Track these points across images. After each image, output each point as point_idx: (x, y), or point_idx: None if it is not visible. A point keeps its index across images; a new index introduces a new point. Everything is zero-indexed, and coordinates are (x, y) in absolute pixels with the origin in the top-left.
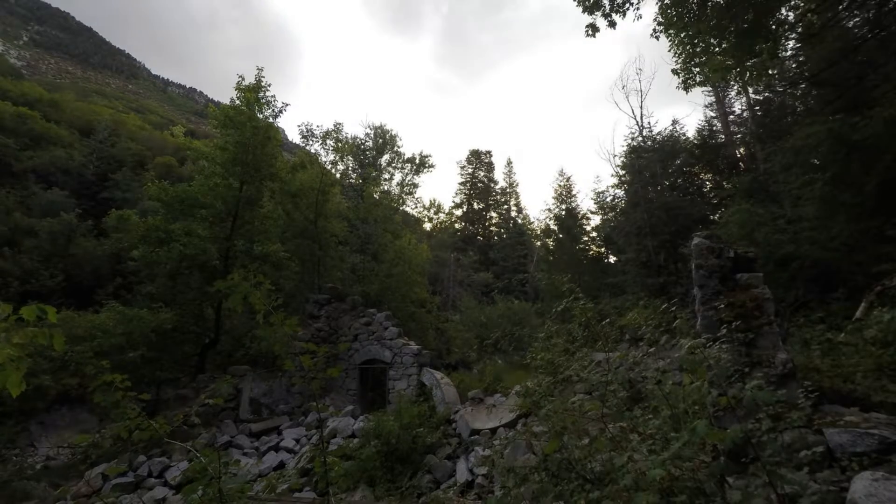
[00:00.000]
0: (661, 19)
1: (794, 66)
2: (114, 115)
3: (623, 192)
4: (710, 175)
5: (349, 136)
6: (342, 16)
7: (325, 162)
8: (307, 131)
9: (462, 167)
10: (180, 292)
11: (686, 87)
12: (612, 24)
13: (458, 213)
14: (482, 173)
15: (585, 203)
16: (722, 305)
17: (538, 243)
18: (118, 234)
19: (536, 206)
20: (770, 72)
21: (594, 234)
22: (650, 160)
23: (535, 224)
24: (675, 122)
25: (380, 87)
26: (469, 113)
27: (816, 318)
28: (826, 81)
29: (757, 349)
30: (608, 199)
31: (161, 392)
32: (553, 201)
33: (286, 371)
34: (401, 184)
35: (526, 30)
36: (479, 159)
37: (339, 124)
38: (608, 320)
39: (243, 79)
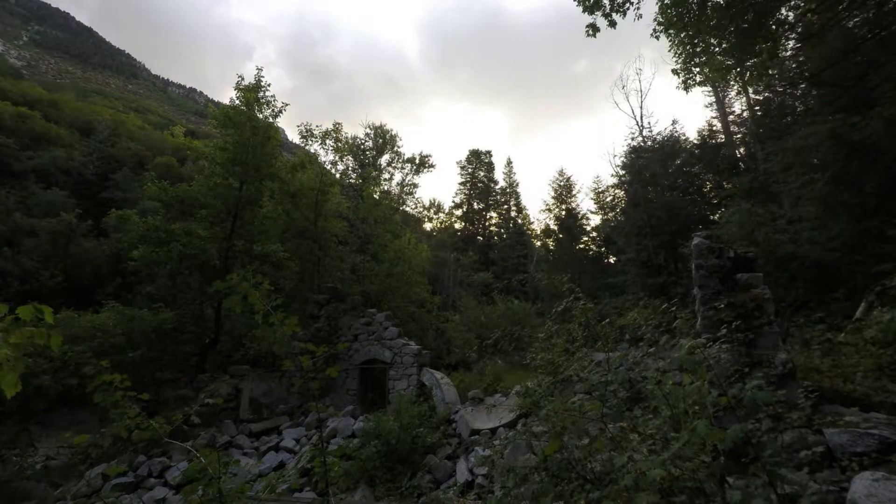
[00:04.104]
0: (661, 19)
1: (794, 66)
2: (114, 115)
3: (623, 192)
4: (710, 175)
5: (349, 136)
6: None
7: (325, 162)
8: (307, 131)
9: (462, 167)
10: (180, 292)
11: (686, 87)
12: (613, 24)
13: (458, 213)
14: (482, 173)
15: (585, 203)
16: (722, 305)
17: (538, 243)
18: (118, 234)
19: (536, 206)
20: (770, 72)
21: (594, 234)
22: (650, 160)
23: (535, 224)
24: (675, 122)
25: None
26: (468, 111)
27: (816, 318)
28: (826, 81)
29: (757, 349)
30: (608, 199)
31: (161, 392)
32: (553, 201)
33: (286, 371)
34: (401, 184)
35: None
36: (478, 159)
37: (339, 124)
38: (608, 320)
39: (243, 79)
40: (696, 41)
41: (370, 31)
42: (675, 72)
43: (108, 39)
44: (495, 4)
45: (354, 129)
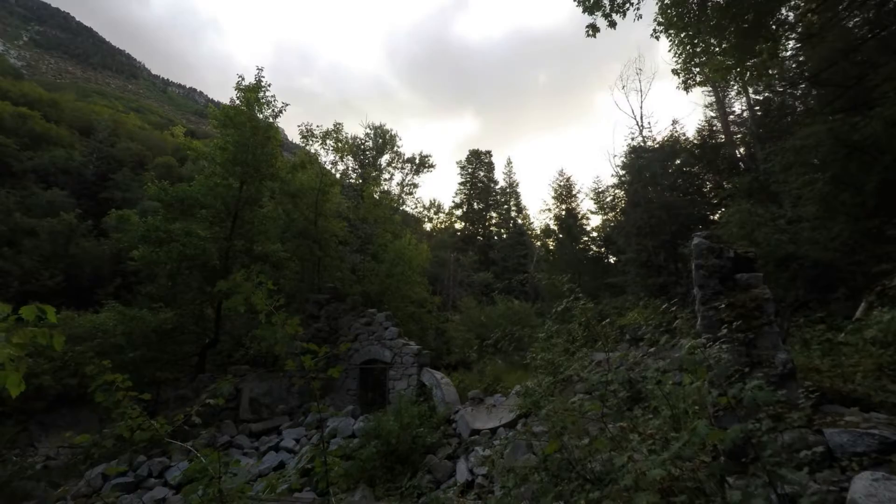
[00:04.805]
0: (661, 19)
1: (794, 66)
2: (114, 115)
3: (623, 192)
4: (710, 175)
5: (349, 136)
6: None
7: (325, 162)
8: (307, 131)
9: (462, 167)
10: (180, 292)
11: (686, 87)
12: (613, 24)
13: (458, 213)
14: (482, 173)
15: (585, 203)
16: (722, 305)
17: (538, 243)
18: (118, 234)
19: (536, 206)
20: (770, 72)
21: (594, 234)
22: (650, 160)
23: (535, 224)
24: (675, 122)
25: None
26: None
27: (816, 318)
28: (826, 81)
29: (757, 349)
30: (608, 199)
31: (161, 392)
32: (553, 201)
33: (286, 371)
34: (401, 184)
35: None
36: (479, 159)
37: (339, 124)
38: (608, 320)
39: (243, 79)
40: (696, 41)
41: (343, 61)
42: (675, 72)
43: (107, 39)
44: (448, 36)
45: (354, 129)
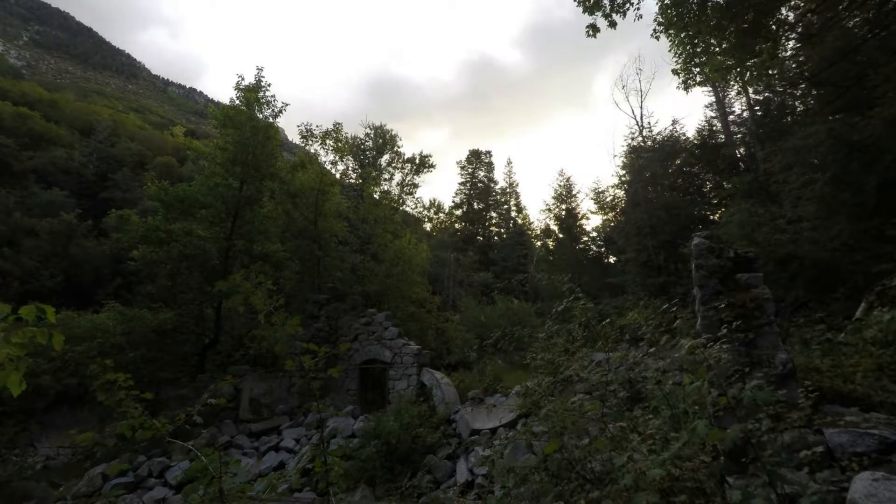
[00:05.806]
0: (661, 19)
1: (794, 66)
2: (114, 115)
3: (623, 192)
4: (710, 175)
5: (349, 136)
6: None
7: (325, 162)
8: (307, 131)
9: (462, 167)
10: (180, 292)
11: (686, 87)
12: (613, 24)
13: (458, 213)
14: (482, 173)
15: (585, 203)
16: (722, 305)
17: (538, 243)
18: (118, 234)
19: (536, 206)
20: (770, 72)
21: (594, 234)
22: (650, 160)
23: (535, 224)
24: (675, 122)
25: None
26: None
27: (816, 318)
28: (826, 81)
29: (757, 349)
30: (608, 199)
31: (161, 392)
32: (553, 201)
33: (286, 371)
34: (401, 184)
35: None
36: (478, 159)
37: (339, 124)
38: (608, 320)
39: (243, 79)
40: (696, 41)
41: (308, 99)
42: (675, 72)
43: (107, 39)
44: (398, 78)
45: (355, 129)
